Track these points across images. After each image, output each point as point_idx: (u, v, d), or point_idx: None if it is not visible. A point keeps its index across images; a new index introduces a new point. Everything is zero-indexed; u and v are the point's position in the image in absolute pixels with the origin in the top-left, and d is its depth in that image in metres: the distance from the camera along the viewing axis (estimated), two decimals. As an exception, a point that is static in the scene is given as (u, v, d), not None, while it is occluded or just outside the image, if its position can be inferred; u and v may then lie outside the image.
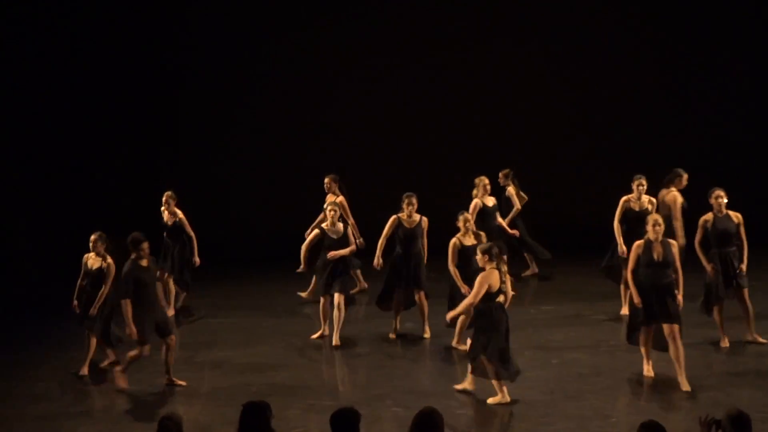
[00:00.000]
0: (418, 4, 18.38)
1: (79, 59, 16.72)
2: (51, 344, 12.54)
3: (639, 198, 12.84)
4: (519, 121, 18.34)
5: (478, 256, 10.29)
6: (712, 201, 11.65)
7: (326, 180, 14.04)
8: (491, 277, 10.05)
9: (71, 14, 16.49)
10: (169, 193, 13.67)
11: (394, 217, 12.68)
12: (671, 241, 10.71)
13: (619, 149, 18.01)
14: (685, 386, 10.37)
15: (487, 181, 13.86)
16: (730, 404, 7.18)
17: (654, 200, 12.92)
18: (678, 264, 10.58)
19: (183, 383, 10.95)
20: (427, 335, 12.66)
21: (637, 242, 10.67)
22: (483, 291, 9.98)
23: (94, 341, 11.48)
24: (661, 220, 10.62)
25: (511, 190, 14.86)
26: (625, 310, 13.07)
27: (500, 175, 14.88)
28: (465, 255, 11.67)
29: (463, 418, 9.89)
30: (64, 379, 11.55)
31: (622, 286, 13.10)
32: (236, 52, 18.28)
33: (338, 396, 10.68)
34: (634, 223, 12.60)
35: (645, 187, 12.81)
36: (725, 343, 11.82)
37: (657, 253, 10.46)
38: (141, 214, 14.84)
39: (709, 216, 11.64)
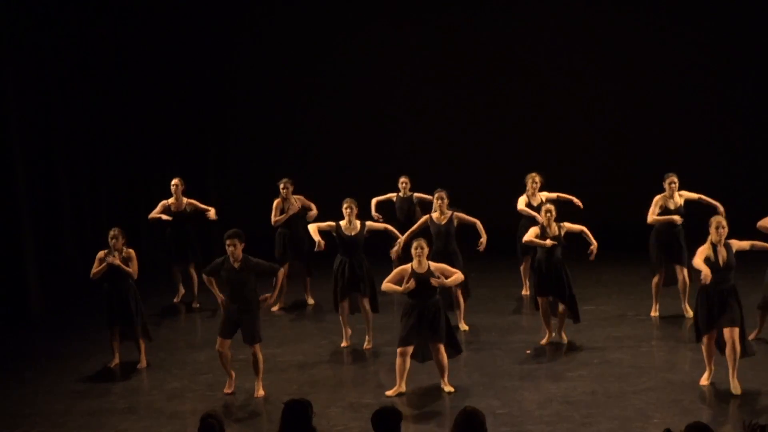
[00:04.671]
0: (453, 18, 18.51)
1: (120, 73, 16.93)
2: (96, 340, 12.67)
3: (672, 196, 12.73)
4: (563, 122, 18.34)
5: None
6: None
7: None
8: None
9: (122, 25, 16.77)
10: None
11: (426, 216, 12.83)
12: (733, 242, 10.27)
13: (654, 149, 17.99)
14: (736, 389, 10.14)
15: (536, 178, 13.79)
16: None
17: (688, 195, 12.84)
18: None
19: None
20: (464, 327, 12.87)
21: (705, 247, 10.20)
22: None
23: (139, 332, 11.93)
24: (724, 223, 10.24)
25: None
26: (654, 312, 13.12)
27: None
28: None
29: (504, 418, 9.87)
30: (109, 376, 11.71)
31: (654, 288, 13.11)
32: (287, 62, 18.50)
33: (379, 395, 10.70)
34: (670, 222, 12.64)
35: (677, 185, 12.71)
36: None
37: (722, 258, 10.14)
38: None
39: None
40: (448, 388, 10.66)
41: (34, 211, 14.71)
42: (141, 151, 17.21)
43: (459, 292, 12.77)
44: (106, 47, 16.44)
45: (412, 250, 10.59)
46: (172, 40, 17.46)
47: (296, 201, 14.05)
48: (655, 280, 13.07)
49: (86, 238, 15.78)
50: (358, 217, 12.36)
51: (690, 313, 12.59)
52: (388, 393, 10.65)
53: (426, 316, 10.49)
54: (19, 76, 14.64)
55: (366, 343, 12.33)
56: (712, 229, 10.24)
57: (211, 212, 14.39)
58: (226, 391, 10.91)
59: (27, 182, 14.60)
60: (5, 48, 14.29)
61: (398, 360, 10.62)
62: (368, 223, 12.44)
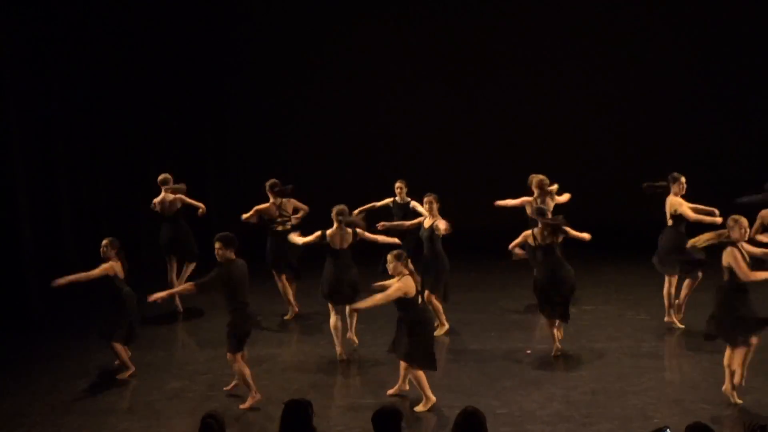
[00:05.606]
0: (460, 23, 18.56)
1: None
2: (96, 341, 12.65)
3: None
4: (562, 123, 18.38)
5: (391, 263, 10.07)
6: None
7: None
8: (408, 284, 9.98)
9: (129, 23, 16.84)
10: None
11: (420, 220, 12.74)
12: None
13: (653, 149, 18.01)
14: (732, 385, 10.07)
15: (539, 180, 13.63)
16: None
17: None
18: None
19: None
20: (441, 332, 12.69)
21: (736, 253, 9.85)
22: (397, 296, 9.94)
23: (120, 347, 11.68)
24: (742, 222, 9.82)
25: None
26: (670, 319, 12.89)
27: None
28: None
29: (504, 418, 9.87)
30: (108, 376, 11.70)
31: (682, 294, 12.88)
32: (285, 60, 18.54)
33: (380, 395, 10.70)
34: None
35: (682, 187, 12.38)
36: None
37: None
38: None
39: None
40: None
41: (33, 212, 14.70)
42: (141, 152, 17.23)
43: (434, 297, 12.56)
44: (106, 48, 16.46)
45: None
46: (171, 41, 17.50)
47: (288, 204, 13.76)
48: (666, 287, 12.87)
49: (85, 240, 15.77)
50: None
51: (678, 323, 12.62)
52: (390, 391, 10.65)
53: (399, 328, 10.30)
54: (19, 76, 14.65)
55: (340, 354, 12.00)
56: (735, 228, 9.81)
57: (201, 209, 14.13)
58: (227, 389, 10.90)
59: (27, 184, 14.59)
60: (5, 48, 14.30)
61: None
62: (359, 231, 11.87)
